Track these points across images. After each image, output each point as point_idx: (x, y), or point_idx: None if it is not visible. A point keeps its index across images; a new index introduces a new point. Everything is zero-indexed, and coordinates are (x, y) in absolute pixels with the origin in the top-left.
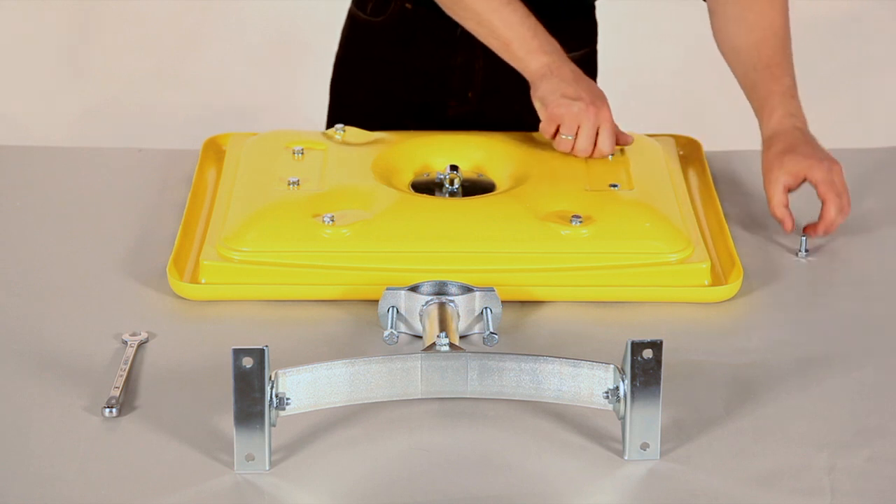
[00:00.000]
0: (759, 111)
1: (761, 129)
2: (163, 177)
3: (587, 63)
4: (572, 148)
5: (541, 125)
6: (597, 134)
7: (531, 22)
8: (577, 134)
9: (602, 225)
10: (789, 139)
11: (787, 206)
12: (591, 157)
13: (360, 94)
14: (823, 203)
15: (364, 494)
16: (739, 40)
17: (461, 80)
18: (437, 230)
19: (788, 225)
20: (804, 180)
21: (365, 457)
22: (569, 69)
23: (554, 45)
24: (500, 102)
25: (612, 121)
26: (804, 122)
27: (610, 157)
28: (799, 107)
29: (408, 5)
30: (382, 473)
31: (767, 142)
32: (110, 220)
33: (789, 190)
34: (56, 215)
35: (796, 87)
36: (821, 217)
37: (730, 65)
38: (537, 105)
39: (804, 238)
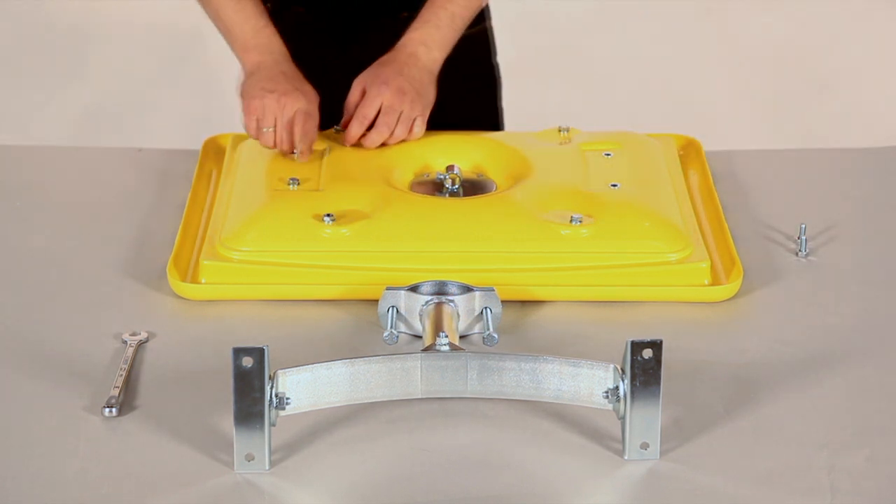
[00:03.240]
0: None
1: None
2: (163, 177)
3: (481, 41)
4: (275, 143)
5: (243, 121)
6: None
7: (257, 23)
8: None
9: (602, 225)
10: (394, 56)
11: (355, 105)
12: (292, 150)
13: None
14: None
15: (364, 494)
16: None
17: None
18: (437, 230)
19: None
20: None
21: (365, 457)
22: (280, 70)
23: (273, 47)
24: None
25: (307, 111)
26: (431, 49)
27: (297, 157)
28: (435, 35)
29: (300, 9)
30: (382, 473)
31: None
32: (110, 220)
33: (362, 92)
34: (56, 215)
35: (453, 19)
36: None
37: None
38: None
39: (804, 238)
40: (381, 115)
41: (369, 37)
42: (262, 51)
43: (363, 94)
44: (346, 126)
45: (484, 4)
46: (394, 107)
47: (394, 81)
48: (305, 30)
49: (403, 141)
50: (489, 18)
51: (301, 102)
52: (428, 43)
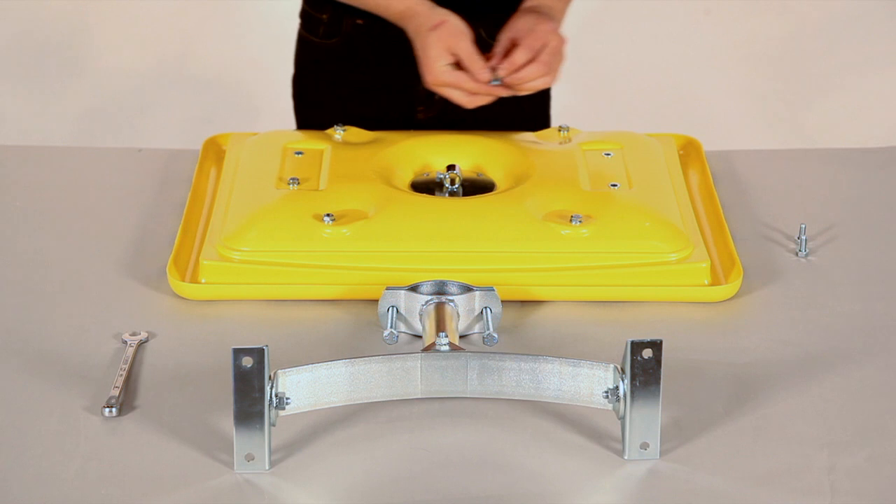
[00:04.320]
0: None
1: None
2: (163, 177)
3: None
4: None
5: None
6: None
7: None
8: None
9: (602, 225)
10: (542, 10)
11: (505, 49)
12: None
13: (323, 115)
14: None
15: (364, 494)
16: None
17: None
18: (437, 230)
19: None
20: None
21: (365, 457)
22: (415, 31)
23: (402, 13)
24: None
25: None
26: (559, 18)
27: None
28: (563, 9)
29: (359, 21)
30: (382, 473)
31: (522, 8)
32: (110, 220)
33: (513, 42)
34: (56, 215)
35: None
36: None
37: None
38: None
39: (804, 238)
40: (545, 54)
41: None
42: (398, 19)
43: (512, 44)
44: (494, 66)
45: None
46: (557, 53)
47: (558, 33)
48: (362, 41)
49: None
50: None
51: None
52: (559, 20)
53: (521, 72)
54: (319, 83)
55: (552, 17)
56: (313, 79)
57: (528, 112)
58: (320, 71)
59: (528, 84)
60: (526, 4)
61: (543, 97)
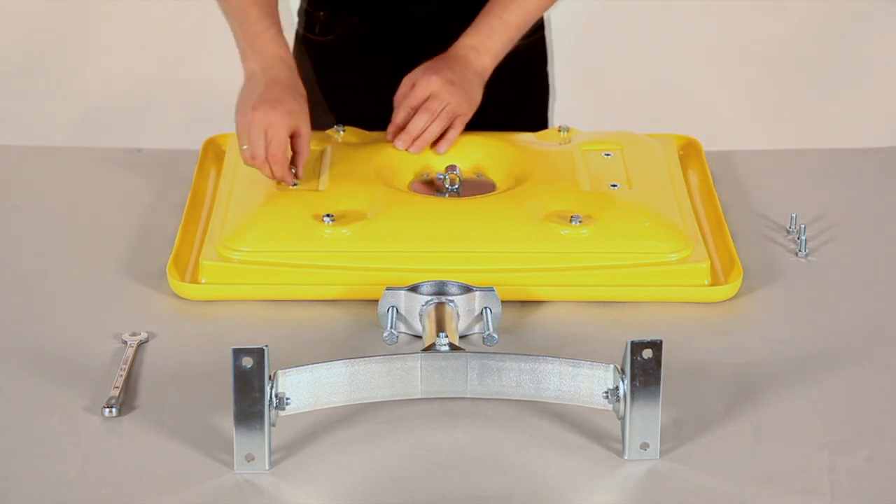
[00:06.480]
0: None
1: None
2: (163, 177)
3: (537, 50)
4: (252, 158)
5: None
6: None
7: (257, 27)
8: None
9: (602, 225)
10: (445, 56)
11: (403, 98)
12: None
13: (319, 113)
14: None
15: (364, 494)
16: None
17: None
18: (437, 230)
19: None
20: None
21: (365, 457)
22: (268, 77)
23: (268, 52)
24: None
25: (284, 135)
26: (482, 55)
27: (294, 184)
28: (487, 43)
29: (354, 19)
30: (382, 473)
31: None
32: (110, 220)
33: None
34: (56, 215)
35: (507, 29)
36: None
37: None
38: None
39: (804, 238)
40: (425, 102)
41: (423, 51)
42: (258, 57)
43: (412, 88)
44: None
45: (540, 16)
46: (441, 96)
47: (444, 73)
48: (357, 39)
49: (436, 143)
50: (546, 28)
51: (277, 121)
52: (479, 49)
53: (402, 135)
54: (316, 81)
55: (456, 61)
56: (309, 77)
57: (525, 117)
58: (317, 69)
59: (421, 141)
60: (454, 49)
61: (541, 102)
